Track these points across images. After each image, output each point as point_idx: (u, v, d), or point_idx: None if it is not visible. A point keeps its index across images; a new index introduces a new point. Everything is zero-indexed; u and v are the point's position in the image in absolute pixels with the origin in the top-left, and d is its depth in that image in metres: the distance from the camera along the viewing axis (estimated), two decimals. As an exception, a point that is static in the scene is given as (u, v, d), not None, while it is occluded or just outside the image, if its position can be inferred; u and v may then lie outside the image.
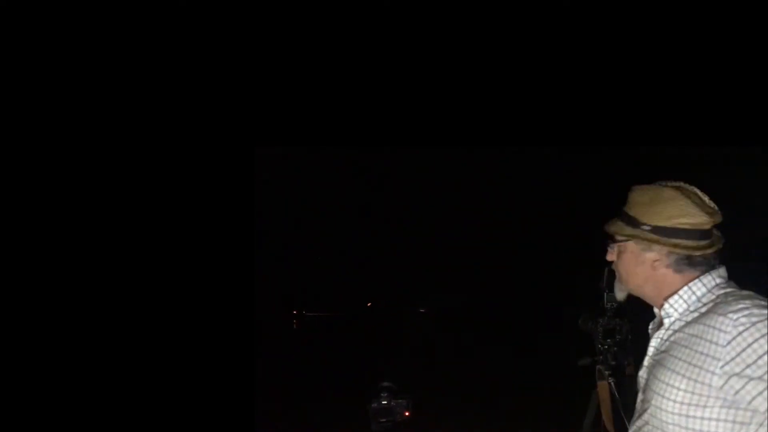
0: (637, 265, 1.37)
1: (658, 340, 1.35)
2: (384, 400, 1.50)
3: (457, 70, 1.08)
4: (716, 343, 1.17)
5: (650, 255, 1.34)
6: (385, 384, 1.53)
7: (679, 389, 1.21)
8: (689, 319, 1.27)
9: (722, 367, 1.15)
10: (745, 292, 1.25)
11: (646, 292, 1.40)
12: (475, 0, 1.07)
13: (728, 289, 1.27)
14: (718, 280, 1.29)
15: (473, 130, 1.11)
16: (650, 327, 1.45)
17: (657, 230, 1.32)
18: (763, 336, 1.11)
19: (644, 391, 1.34)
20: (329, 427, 6.22)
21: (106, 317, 1.05)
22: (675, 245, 1.29)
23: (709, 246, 1.29)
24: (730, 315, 1.16)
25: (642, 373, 1.38)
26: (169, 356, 1.07)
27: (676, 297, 1.32)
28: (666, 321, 1.33)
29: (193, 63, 1.07)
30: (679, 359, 1.24)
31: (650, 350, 1.37)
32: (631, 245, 1.37)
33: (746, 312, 1.15)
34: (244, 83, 1.08)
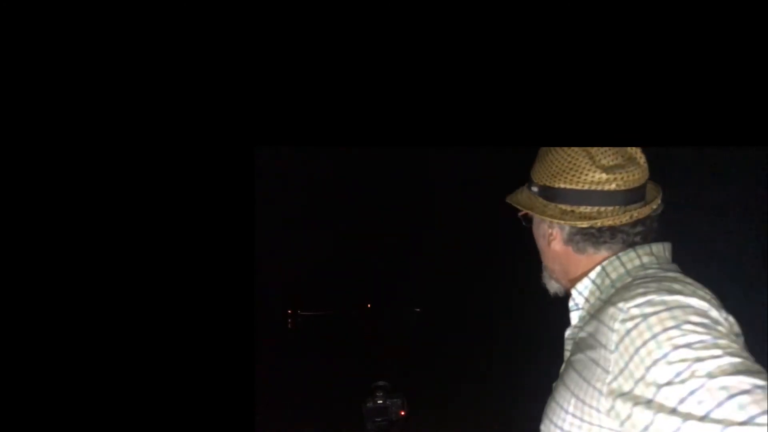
0: (540, 240, 1.04)
1: (569, 341, 0.99)
2: (379, 400, 1.50)
3: (457, 71, 1.08)
4: (605, 347, 0.80)
5: (544, 227, 1.01)
6: (380, 383, 1.53)
7: (567, 412, 0.86)
8: (595, 312, 0.91)
9: (610, 383, 0.78)
10: (671, 274, 0.86)
11: (560, 280, 1.04)
12: (472, 3, 1.07)
13: (651, 270, 0.89)
14: (645, 259, 0.92)
15: (473, 131, 1.11)
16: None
17: (545, 192, 0.97)
18: (654, 336, 0.74)
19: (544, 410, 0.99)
20: (324, 427, 6.22)
21: (105, 317, 1.05)
22: (564, 213, 0.93)
23: (619, 213, 0.91)
24: (620, 305, 0.80)
25: (554, 385, 1.02)
26: (168, 356, 1.07)
27: (585, 281, 0.95)
28: (574, 315, 0.98)
29: (192, 63, 1.07)
30: (574, 370, 0.88)
31: (565, 356, 1.00)
32: (534, 215, 1.01)
33: (640, 300, 0.78)
34: (244, 83, 1.08)
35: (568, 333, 1.00)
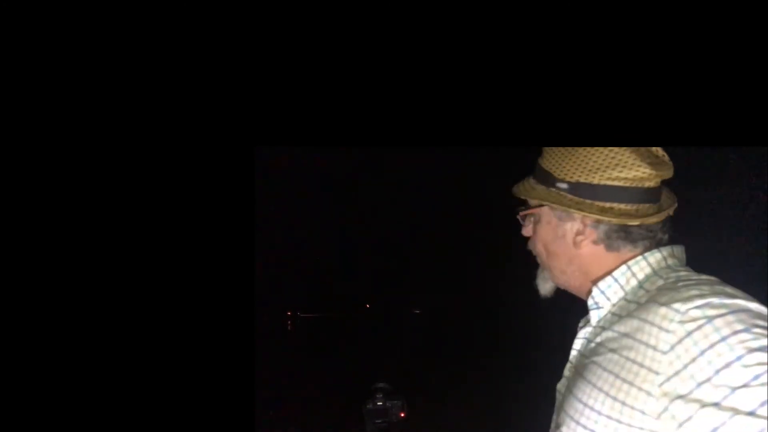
0: (556, 241, 1.00)
1: (583, 341, 0.98)
2: (379, 401, 1.50)
3: (457, 71, 1.08)
4: (655, 348, 0.79)
5: (571, 225, 0.97)
6: (380, 385, 1.53)
7: (600, 414, 0.84)
8: (625, 312, 0.89)
9: (662, 384, 0.77)
10: (705, 277, 0.86)
11: (572, 282, 1.02)
12: (472, 3, 1.07)
13: (682, 272, 0.90)
14: (670, 261, 0.92)
15: (473, 131, 1.10)
16: (580, 324, 1.08)
17: (578, 189, 0.94)
18: (724, 339, 0.74)
19: (558, 412, 0.97)
20: (324, 428, 6.22)
21: (104, 317, 1.05)
22: (604, 210, 0.91)
23: (655, 211, 0.92)
24: (677, 306, 0.79)
25: (560, 386, 1.02)
26: (168, 357, 1.06)
27: (609, 280, 0.93)
28: (594, 314, 0.96)
29: (192, 63, 1.07)
30: (605, 370, 0.86)
31: (572, 355, 1.00)
32: (546, 212, 1.00)
33: (700, 302, 0.78)
34: (244, 83, 1.08)
35: (585, 332, 0.98)
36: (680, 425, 0.75)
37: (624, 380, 0.82)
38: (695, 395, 0.73)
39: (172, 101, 1.07)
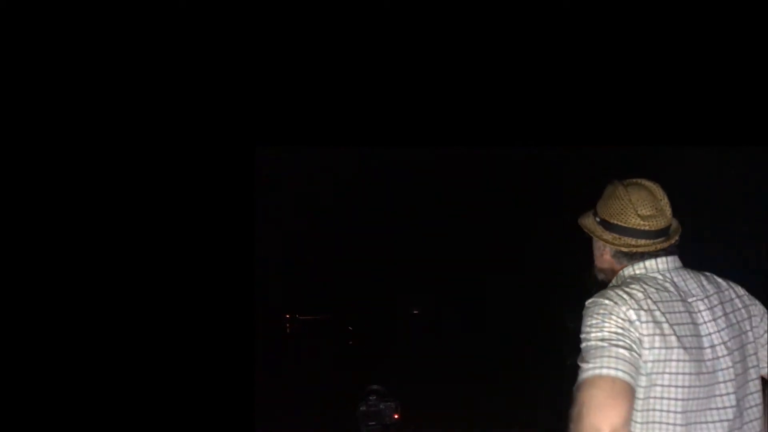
0: (596, 251, 1.51)
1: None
2: (372, 404, 1.49)
3: (457, 71, 1.08)
4: None
5: (599, 244, 1.48)
6: (374, 387, 1.53)
7: None
8: None
9: None
10: (630, 283, 1.35)
11: (607, 275, 1.50)
12: (474, 4, 1.08)
13: (627, 280, 1.38)
14: (637, 271, 1.40)
15: (473, 131, 1.11)
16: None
17: (602, 223, 1.45)
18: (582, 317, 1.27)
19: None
20: (322, 430, 6.20)
21: (104, 317, 1.05)
22: (608, 240, 1.42)
23: (646, 246, 1.38)
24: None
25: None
26: (169, 357, 1.06)
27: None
28: None
29: (193, 63, 1.07)
30: None
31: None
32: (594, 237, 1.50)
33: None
34: (245, 83, 1.08)
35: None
36: None
37: None
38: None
39: (174, 102, 1.07)
